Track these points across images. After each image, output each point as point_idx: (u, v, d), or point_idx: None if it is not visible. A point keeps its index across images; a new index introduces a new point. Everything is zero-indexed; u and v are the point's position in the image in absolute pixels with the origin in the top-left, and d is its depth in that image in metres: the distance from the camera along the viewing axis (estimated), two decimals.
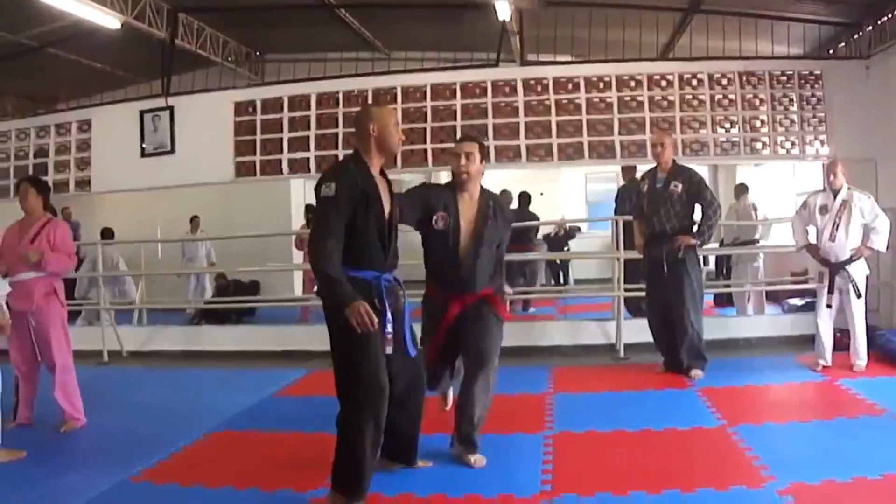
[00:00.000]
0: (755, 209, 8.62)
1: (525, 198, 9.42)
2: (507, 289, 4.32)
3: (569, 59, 8.93)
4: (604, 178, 13.13)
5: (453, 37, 9.37)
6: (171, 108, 8.33)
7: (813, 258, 5.93)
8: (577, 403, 5.14)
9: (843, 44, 8.05)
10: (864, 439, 4.04)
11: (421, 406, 3.69)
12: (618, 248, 6.92)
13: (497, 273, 4.04)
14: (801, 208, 5.96)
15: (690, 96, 7.58)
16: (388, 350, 3.34)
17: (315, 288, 3.53)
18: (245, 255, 9.66)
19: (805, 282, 7.51)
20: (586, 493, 3.41)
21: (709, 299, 8.31)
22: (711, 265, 10.07)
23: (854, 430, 4.24)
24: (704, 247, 6.03)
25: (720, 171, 12.07)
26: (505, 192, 9.02)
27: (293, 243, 9.60)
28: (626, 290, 6.92)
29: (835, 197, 5.69)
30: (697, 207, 5.75)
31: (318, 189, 3.28)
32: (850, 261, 5.63)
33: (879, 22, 7.23)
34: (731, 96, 7.55)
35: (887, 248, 5.75)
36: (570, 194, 13.90)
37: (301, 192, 10.64)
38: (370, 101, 7.91)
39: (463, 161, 3.88)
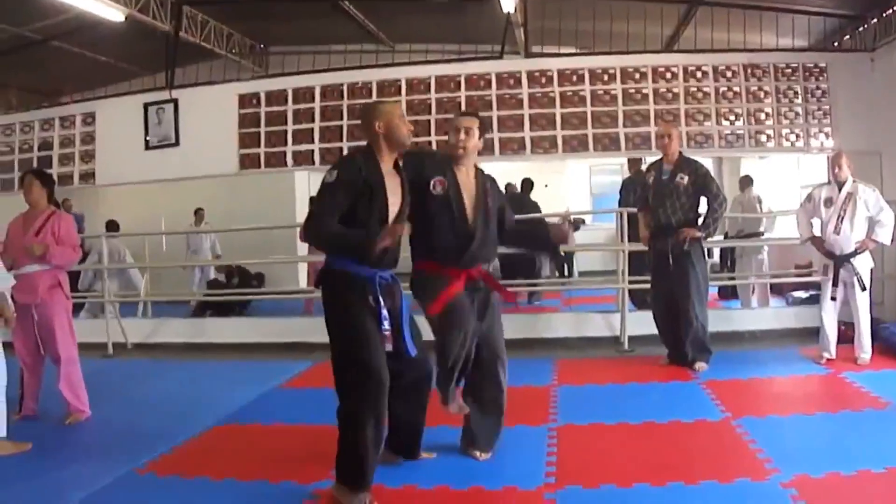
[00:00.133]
0: (760, 202, 8.58)
1: (527, 184, 9.35)
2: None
3: (573, 51, 8.92)
4: (608, 171, 13.10)
5: (457, 29, 9.34)
6: (175, 101, 8.33)
7: (817, 251, 5.93)
8: (582, 395, 5.15)
9: (847, 36, 8.00)
10: (868, 432, 4.03)
11: (426, 399, 3.68)
12: (622, 241, 6.90)
13: (496, 249, 3.95)
14: (806, 201, 5.94)
15: (695, 89, 7.56)
16: (388, 347, 3.32)
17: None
18: (249, 247, 9.65)
19: (809, 274, 7.51)
20: (590, 486, 3.42)
21: (713, 292, 8.29)
22: (716, 258, 10.04)
23: (858, 423, 4.23)
24: (709, 239, 6.03)
25: (725, 163, 12.00)
26: (510, 186, 9.03)
27: (297, 235, 9.56)
28: (630, 282, 6.91)
29: (839, 189, 5.67)
30: (703, 200, 5.73)
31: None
32: (854, 253, 5.61)
33: (884, 14, 7.19)
34: (736, 89, 7.53)
35: (892, 240, 5.72)
36: (575, 186, 13.85)
37: (305, 184, 10.61)
38: (374, 93, 7.89)
39: (462, 136, 3.77)
